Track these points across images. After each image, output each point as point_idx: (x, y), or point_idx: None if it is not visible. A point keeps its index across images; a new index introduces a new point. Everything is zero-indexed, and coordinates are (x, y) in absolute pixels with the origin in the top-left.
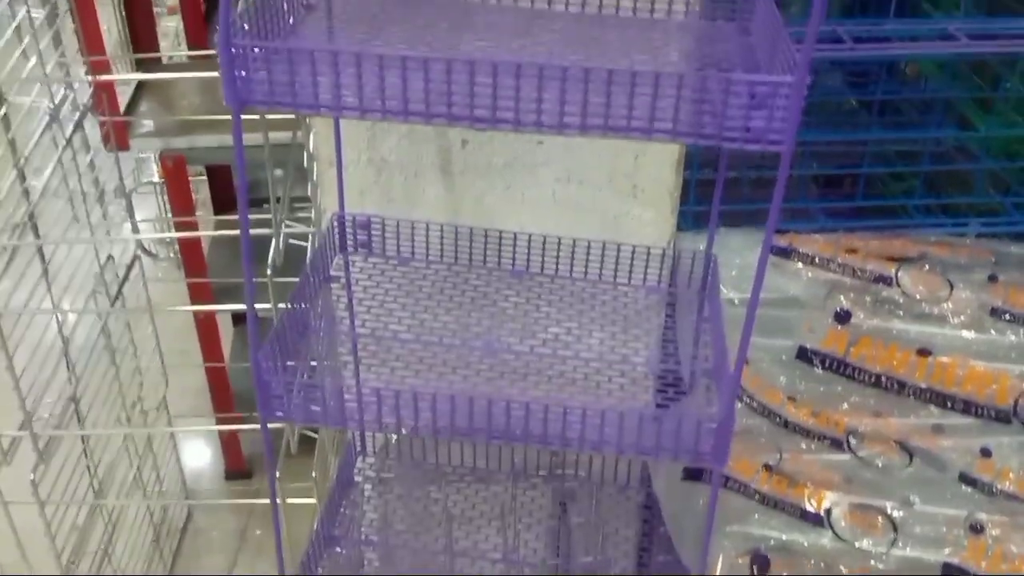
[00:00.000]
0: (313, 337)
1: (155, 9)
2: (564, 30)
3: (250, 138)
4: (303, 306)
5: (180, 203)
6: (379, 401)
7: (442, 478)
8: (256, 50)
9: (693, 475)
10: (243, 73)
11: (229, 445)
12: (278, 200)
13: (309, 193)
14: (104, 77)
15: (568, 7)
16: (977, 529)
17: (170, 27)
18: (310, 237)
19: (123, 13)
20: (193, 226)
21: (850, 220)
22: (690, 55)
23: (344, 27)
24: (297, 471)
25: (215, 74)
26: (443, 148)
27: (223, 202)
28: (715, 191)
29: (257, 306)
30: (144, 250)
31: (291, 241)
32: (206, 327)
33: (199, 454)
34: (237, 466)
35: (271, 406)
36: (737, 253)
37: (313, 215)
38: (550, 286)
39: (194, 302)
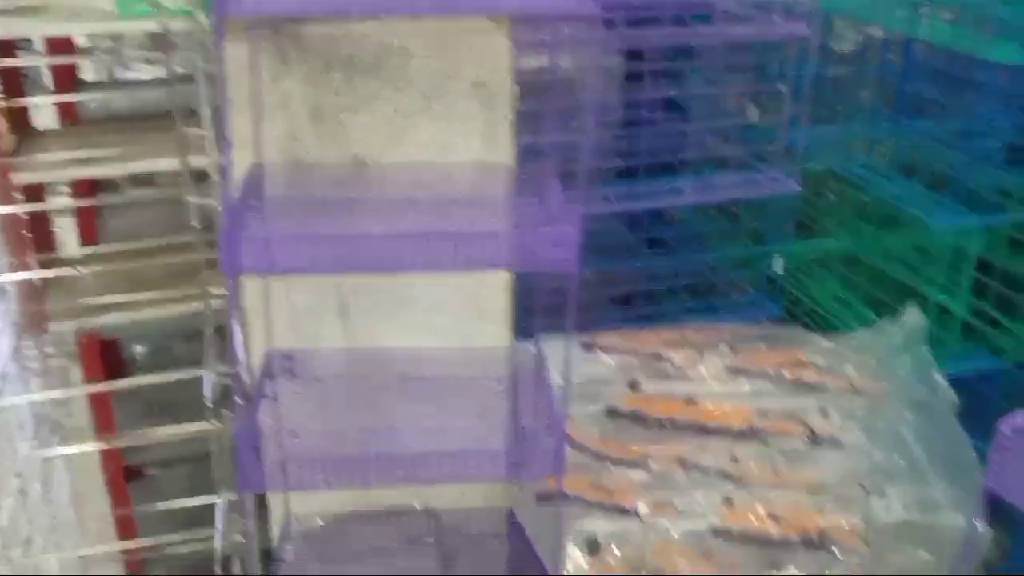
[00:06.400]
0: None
1: None
2: (422, 214)
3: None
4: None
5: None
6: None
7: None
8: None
9: (544, 498)
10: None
11: None
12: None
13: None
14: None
15: (429, 189)
16: (729, 503)
17: None
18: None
19: None
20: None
21: (637, 322)
22: (511, 219)
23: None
24: None
25: None
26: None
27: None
28: (535, 309)
29: None
30: None
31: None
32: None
33: None
34: None
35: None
36: (558, 351)
37: (242, 356)
38: (425, 387)
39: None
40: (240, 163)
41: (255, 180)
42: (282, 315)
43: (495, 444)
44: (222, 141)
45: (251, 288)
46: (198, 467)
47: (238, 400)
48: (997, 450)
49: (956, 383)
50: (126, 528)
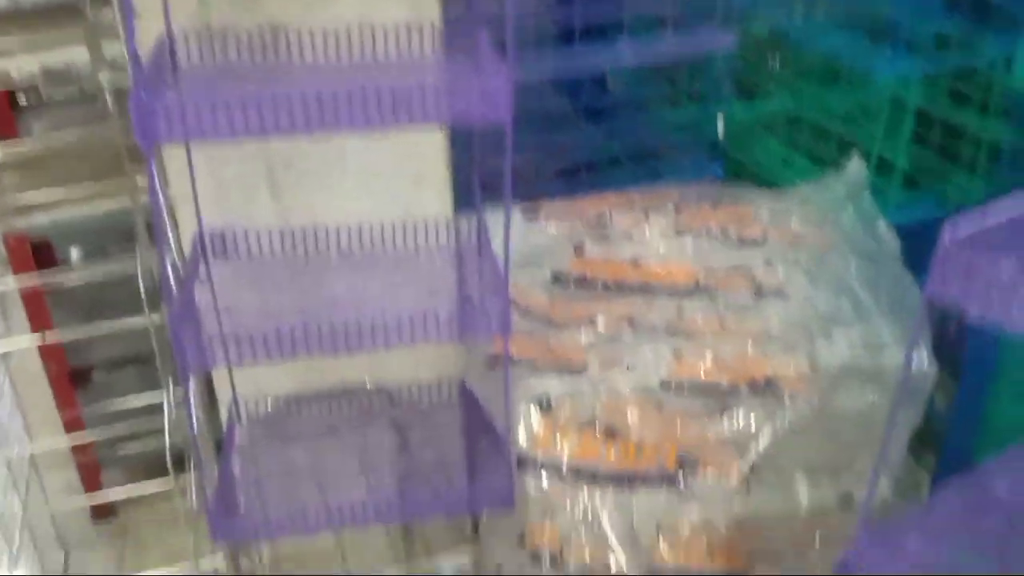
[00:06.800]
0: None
1: None
2: (347, 76)
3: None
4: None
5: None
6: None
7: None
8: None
9: (493, 362)
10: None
11: None
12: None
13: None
14: None
15: (351, 57)
16: (678, 355)
17: None
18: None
19: None
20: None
21: (581, 192)
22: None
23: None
24: None
25: None
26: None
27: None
28: (476, 181)
29: None
30: None
31: None
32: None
33: None
34: None
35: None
36: (500, 221)
37: (170, 237)
38: (366, 258)
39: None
40: (149, 33)
41: (166, 50)
42: (210, 194)
43: (441, 310)
44: (124, 6)
45: (174, 169)
46: (146, 369)
47: (170, 282)
48: (938, 261)
49: (900, 232)
50: (74, 430)
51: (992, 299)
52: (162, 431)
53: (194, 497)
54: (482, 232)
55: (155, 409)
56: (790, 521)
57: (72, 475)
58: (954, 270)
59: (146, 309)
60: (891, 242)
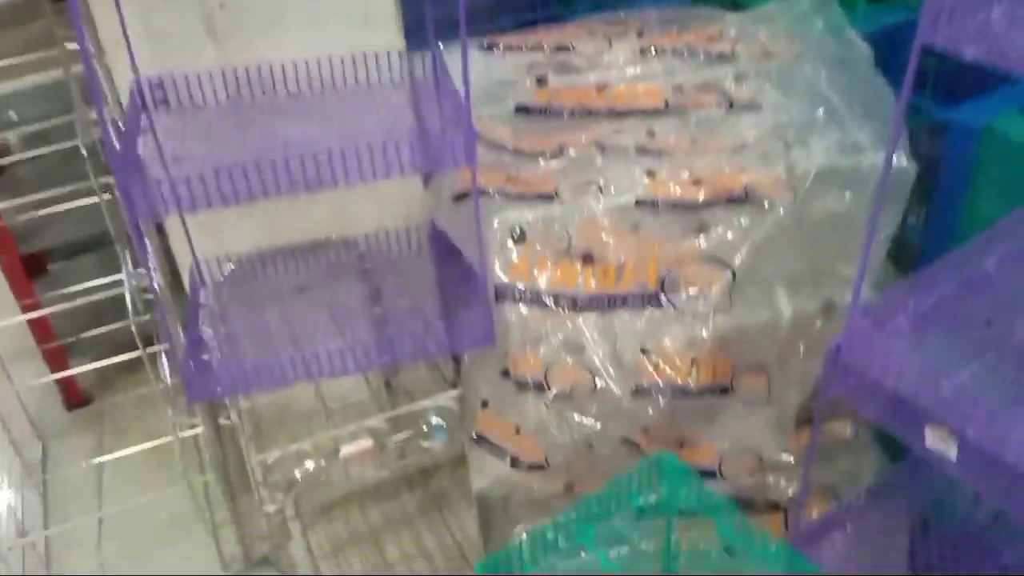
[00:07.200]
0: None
1: None
2: None
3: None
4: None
5: None
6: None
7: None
8: None
9: (461, 196)
10: None
11: None
12: None
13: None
14: None
15: None
16: (652, 175)
17: None
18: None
19: None
20: None
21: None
22: None
23: None
24: None
25: None
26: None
27: None
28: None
29: None
30: None
31: None
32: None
33: None
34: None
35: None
36: (457, 58)
37: (111, 99)
38: (317, 100)
39: None
40: None
41: None
42: (145, 48)
43: (402, 144)
44: None
45: (106, 29)
46: (103, 256)
47: (111, 136)
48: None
49: (869, 41)
50: (35, 321)
51: (987, 36)
52: (126, 315)
53: (166, 366)
54: (438, 65)
55: (118, 292)
56: (773, 332)
57: (40, 365)
58: (946, 9)
59: (93, 181)
60: (862, 49)
